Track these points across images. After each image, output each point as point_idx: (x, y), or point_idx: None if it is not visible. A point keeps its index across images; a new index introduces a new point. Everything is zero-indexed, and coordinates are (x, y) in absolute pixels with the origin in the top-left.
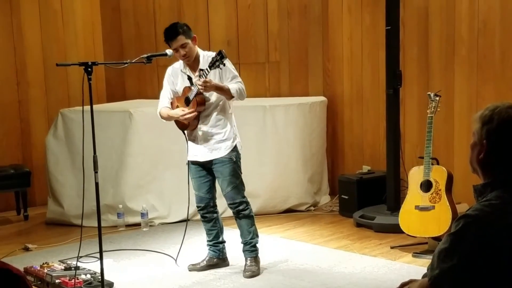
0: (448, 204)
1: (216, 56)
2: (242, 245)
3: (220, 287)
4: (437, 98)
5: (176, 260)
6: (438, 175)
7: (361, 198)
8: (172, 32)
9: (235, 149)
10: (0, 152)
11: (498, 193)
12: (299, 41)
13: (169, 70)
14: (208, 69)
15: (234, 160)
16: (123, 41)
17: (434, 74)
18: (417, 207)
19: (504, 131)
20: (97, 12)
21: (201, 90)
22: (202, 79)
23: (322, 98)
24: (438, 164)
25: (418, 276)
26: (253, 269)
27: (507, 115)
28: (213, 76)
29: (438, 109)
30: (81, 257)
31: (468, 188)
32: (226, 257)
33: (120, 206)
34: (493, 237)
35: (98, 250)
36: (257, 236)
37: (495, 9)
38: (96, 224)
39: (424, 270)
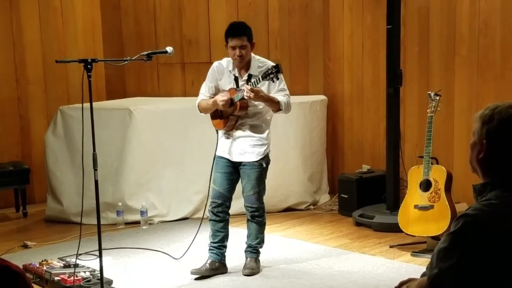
0: (447, 203)
1: (272, 68)
2: (245, 245)
3: (219, 285)
4: (437, 98)
5: (180, 257)
6: (438, 175)
7: (361, 197)
8: (239, 30)
9: (266, 155)
10: None
11: (498, 192)
12: (300, 40)
13: (215, 65)
14: (260, 78)
15: (263, 166)
16: (123, 38)
17: (434, 74)
18: (416, 207)
19: (504, 130)
20: (97, 9)
21: (247, 97)
22: (249, 87)
23: (323, 97)
24: (437, 163)
25: (417, 275)
26: (253, 267)
27: (508, 115)
28: (261, 85)
29: (438, 109)
30: (80, 254)
31: (467, 187)
32: (226, 263)
33: (120, 204)
34: (492, 236)
35: (97, 247)
36: (263, 243)
37: (496, 9)
38: (95, 222)
39: (423, 269)
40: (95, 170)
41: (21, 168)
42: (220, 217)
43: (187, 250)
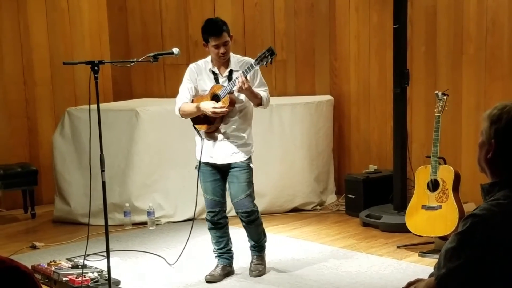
0: (455, 203)
1: (265, 52)
2: (249, 243)
3: (226, 285)
4: (445, 97)
5: (176, 260)
6: (445, 175)
7: (368, 197)
8: (218, 28)
9: (251, 156)
10: (7, 150)
11: (506, 192)
12: (306, 40)
13: (192, 67)
14: (254, 64)
15: (251, 167)
16: (129, 40)
17: (441, 73)
18: (424, 207)
19: None
20: (104, 11)
21: (236, 90)
22: (243, 78)
23: (329, 97)
24: (445, 163)
25: (425, 276)
26: (260, 268)
27: None
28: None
29: (446, 108)
30: (88, 255)
31: (475, 187)
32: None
33: (127, 204)
34: (500, 236)
35: (105, 248)
36: (265, 235)
37: (504, 7)
38: (103, 223)
39: (430, 269)
40: (103, 171)
41: (29, 170)
42: (221, 223)
43: (180, 255)
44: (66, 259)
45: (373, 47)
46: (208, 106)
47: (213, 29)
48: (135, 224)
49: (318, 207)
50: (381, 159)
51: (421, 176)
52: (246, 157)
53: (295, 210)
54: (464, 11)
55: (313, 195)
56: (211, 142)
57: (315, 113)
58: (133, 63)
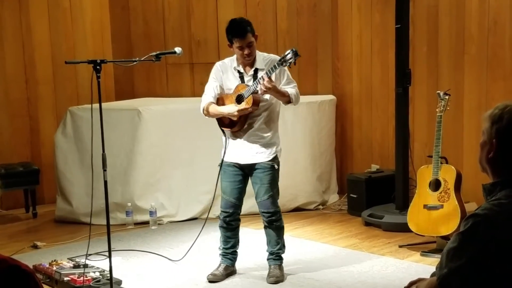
0: (456, 203)
1: (289, 52)
2: (267, 253)
3: (228, 285)
4: (447, 97)
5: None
6: (447, 174)
7: (370, 197)
8: (242, 29)
9: (277, 156)
10: (9, 149)
11: (508, 192)
12: (308, 39)
13: (218, 65)
14: (277, 65)
15: (276, 168)
16: (131, 39)
17: (443, 73)
18: (425, 206)
19: None
20: (106, 10)
21: (261, 90)
22: (266, 79)
23: (331, 97)
24: (447, 163)
25: (427, 275)
26: (278, 274)
27: None
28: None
29: (448, 108)
30: (90, 255)
31: (477, 187)
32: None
33: (129, 204)
34: (502, 236)
35: (106, 248)
36: (284, 247)
37: (506, 7)
38: (104, 222)
39: (432, 269)
40: (105, 170)
41: (30, 169)
42: (233, 225)
43: (188, 251)
44: (68, 258)
45: (375, 47)
46: (232, 111)
47: (237, 30)
48: (137, 224)
49: (321, 207)
50: (383, 158)
51: (423, 175)
52: (270, 157)
53: (298, 209)
54: (466, 11)
55: (316, 194)
56: (235, 141)
57: (317, 112)
58: (135, 62)
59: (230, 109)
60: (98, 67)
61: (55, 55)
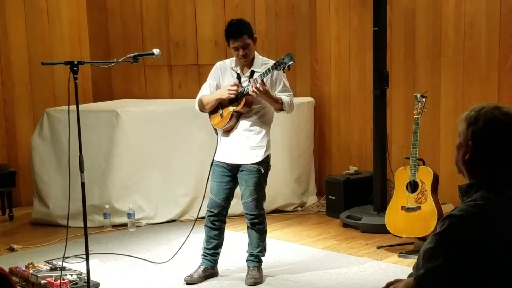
0: (433, 204)
1: (284, 58)
2: (247, 254)
3: (206, 287)
4: (424, 99)
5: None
6: (424, 176)
7: (348, 198)
8: (237, 30)
9: (265, 160)
10: None
11: (483, 193)
12: (287, 42)
13: (218, 64)
14: (270, 69)
15: (262, 172)
16: (109, 40)
17: (420, 75)
18: (403, 208)
19: (489, 132)
20: (83, 11)
21: (252, 93)
22: (259, 81)
23: (310, 99)
24: (424, 164)
25: (404, 276)
26: (256, 276)
27: (493, 116)
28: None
29: (425, 110)
30: (67, 257)
31: (453, 188)
32: (217, 268)
33: (107, 206)
34: (478, 236)
35: (84, 250)
36: (265, 250)
37: (481, 11)
38: (82, 225)
39: (409, 270)
40: (82, 172)
41: (7, 171)
42: (216, 226)
43: (174, 255)
44: (45, 261)
45: (353, 50)
46: (226, 88)
47: (232, 31)
48: (115, 226)
49: (299, 208)
50: (361, 160)
51: (401, 177)
52: (257, 160)
53: (276, 211)
54: (442, 15)
55: (294, 196)
56: (225, 140)
57: (296, 114)
58: (113, 64)
59: (223, 88)
60: (75, 68)
61: (32, 56)
